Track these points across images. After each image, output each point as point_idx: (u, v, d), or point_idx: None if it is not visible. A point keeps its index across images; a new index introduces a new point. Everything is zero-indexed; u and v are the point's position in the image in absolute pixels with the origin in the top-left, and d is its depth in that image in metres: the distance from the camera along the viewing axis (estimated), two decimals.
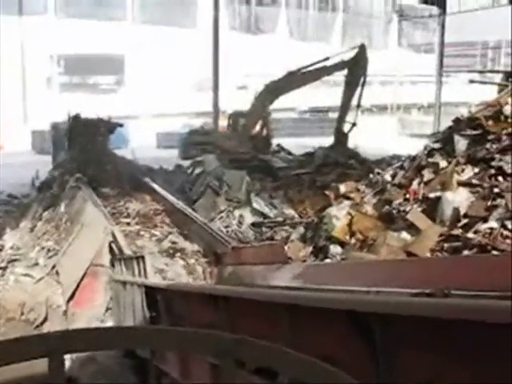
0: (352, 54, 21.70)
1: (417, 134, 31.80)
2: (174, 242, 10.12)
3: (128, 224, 11.17)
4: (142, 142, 29.33)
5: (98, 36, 36.23)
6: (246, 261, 7.38)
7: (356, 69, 21.23)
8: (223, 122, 24.21)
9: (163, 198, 12.63)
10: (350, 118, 22.50)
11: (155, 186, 13.91)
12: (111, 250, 9.08)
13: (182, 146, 23.37)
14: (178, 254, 9.45)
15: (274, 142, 23.63)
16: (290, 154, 23.25)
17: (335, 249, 9.57)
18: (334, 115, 34.88)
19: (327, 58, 20.98)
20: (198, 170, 16.58)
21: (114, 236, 9.27)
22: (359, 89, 21.68)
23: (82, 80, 39.27)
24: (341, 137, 22.08)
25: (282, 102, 22.65)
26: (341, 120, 22.35)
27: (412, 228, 8.99)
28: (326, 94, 38.22)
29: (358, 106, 22.32)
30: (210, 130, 24.30)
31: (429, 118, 34.46)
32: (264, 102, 21.11)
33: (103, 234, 9.21)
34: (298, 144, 28.39)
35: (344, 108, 22.19)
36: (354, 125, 22.20)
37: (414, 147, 13.44)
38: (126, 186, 14.39)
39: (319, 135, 34.82)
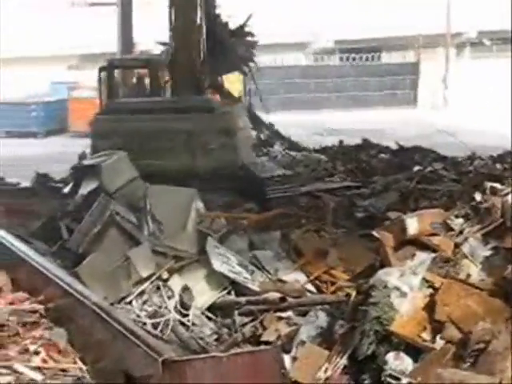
0: None
1: None
2: None
3: None
4: None
5: None
6: None
7: None
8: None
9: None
10: None
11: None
12: None
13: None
14: None
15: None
16: (293, 147, 18.23)
17: (399, 362, 6.50)
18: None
19: None
20: (87, 188, 11.04)
21: None
22: None
23: None
24: None
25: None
26: None
27: None
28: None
29: None
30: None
31: None
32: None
33: None
34: (311, 124, 23.46)
35: None
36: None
37: None
38: None
39: (356, 105, 29.63)
